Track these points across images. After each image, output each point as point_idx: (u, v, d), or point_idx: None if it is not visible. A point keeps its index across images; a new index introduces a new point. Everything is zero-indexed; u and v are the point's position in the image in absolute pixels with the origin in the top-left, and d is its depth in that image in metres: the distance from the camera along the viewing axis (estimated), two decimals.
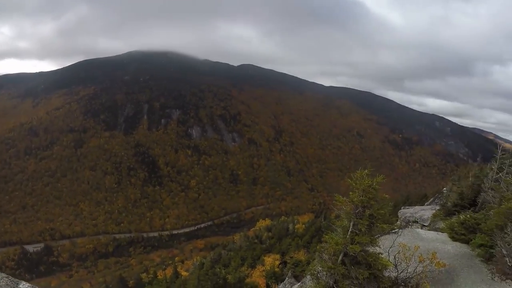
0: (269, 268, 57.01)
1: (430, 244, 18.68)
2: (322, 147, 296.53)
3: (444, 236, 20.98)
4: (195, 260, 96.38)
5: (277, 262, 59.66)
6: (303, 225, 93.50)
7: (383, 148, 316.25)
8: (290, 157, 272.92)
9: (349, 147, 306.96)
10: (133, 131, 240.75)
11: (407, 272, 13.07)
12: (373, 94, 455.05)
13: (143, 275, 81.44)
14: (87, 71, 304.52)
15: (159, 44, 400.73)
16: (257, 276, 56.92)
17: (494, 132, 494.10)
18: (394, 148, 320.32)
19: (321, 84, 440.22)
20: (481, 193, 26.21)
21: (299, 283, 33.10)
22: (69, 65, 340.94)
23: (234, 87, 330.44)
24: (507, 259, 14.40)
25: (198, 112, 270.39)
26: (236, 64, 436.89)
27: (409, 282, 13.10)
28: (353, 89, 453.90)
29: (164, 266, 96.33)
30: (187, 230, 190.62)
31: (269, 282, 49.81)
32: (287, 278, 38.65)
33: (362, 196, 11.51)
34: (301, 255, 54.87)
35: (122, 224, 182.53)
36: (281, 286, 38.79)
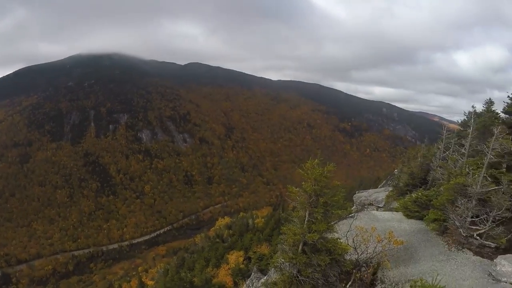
0: (234, 265, 57.13)
1: (386, 224, 19.70)
2: (274, 141, 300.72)
3: (399, 215, 22.21)
4: (159, 267, 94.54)
5: (241, 259, 59.97)
6: (263, 219, 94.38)
7: (334, 137, 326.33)
8: (243, 153, 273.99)
9: (301, 138, 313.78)
10: (80, 140, 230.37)
11: (367, 253, 13.70)
12: (321, 85, 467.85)
13: None
14: (28, 79, 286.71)
15: (103, 46, 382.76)
16: (223, 275, 56.79)
17: (438, 115, 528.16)
18: (344, 136, 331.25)
19: (269, 79, 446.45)
20: (430, 172, 28.05)
21: (265, 277, 33.57)
22: (8, 74, 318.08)
23: (182, 87, 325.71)
24: (461, 230, 15.59)
25: (147, 115, 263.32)
26: (183, 63, 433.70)
27: (370, 262, 13.75)
28: (300, 81, 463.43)
29: (128, 278, 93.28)
30: (147, 237, 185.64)
31: (236, 280, 49.97)
32: (253, 273, 38.90)
33: (314, 185, 11.90)
34: (264, 249, 55.53)
35: (79, 240, 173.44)
36: (248, 282, 39.00)
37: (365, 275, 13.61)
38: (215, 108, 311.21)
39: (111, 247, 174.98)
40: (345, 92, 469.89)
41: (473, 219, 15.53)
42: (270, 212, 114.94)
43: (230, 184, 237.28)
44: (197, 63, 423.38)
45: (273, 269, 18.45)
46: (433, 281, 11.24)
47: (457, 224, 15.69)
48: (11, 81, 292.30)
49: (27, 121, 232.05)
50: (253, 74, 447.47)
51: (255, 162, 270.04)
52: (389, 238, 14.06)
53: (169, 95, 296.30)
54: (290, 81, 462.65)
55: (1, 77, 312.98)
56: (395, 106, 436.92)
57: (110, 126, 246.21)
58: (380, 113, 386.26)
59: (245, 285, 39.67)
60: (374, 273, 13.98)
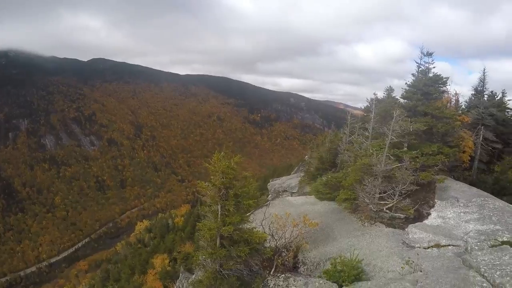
0: (160, 269, 56.12)
1: (300, 208, 20.47)
2: (184, 137, 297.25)
3: (312, 199, 23.26)
4: (83, 284, 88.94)
5: (167, 261, 59.09)
6: (182, 218, 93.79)
7: (244, 129, 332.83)
8: (154, 151, 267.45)
9: (212, 132, 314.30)
10: None
11: (285, 239, 14.01)
12: (229, 78, 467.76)
13: None
14: None
15: None
16: (151, 280, 55.52)
17: (344, 102, 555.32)
18: (255, 127, 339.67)
19: (176, 73, 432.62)
20: (338, 155, 30.00)
21: (194, 275, 33.18)
22: None
23: (85, 85, 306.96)
24: (371, 206, 16.78)
25: (49, 118, 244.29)
26: (85, 59, 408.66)
27: (290, 246, 14.10)
28: (208, 75, 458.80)
29: None
30: (65, 254, 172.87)
31: (165, 283, 48.84)
32: (181, 274, 38.05)
33: (223, 178, 11.78)
34: (188, 248, 54.96)
35: None
36: (178, 283, 38.13)
37: (287, 260, 13.97)
38: (122, 106, 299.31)
39: (28, 270, 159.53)
40: (253, 84, 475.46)
41: (381, 194, 16.78)
42: (188, 209, 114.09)
43: (144, 186, 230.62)
44: (101, 58, 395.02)
45: (196, 267, 18.16)
46: (351, 256, 11.88)
47: (367, 201, 16.87)
48: None
49: None
50: (161, 69, 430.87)
51: (168, 160, 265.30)
52: (304, 221, 14.54)
53: (73, 95, 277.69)
54: (199, 75, 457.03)
55: None
56: (302, 96, 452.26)
57: (10, 134, 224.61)
58: (288, 103, 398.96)
59: (175, 287, 38.91)
60: (295, 256, 14.49)
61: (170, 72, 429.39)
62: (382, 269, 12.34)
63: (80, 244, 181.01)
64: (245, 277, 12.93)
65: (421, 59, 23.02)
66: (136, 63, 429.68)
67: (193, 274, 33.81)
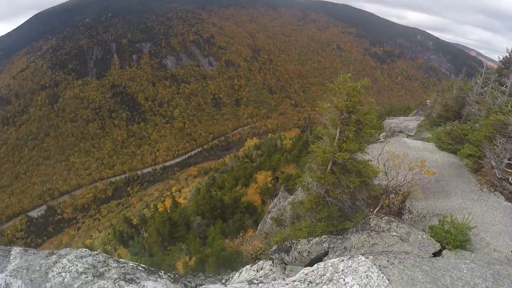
0: (262, 185, 58.13)
1: (418, 153, 18.51)
2: (302, 63, 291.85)
3: (431, 146, 20.92)
4: (191, 187, 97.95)
5: (269, 178, 60.74)
6: (290, 141, 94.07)
7: (364, 61, 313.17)
8: (270, 74, 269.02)
9: (330, 61, 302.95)
10: (105, 73, 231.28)
11: (397, 180, 12.75)
12: (350, 6, 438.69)
13: (145, 211, 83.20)
14: (43, 23, 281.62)
15: None
16: (251, 194, 57.97)
17: (476, 49, 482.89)
18: (375, 61, 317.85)
19: None
20: (466, 106, 26.18)
21: (292, 196, 34.05)
22: (22, 23, 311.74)
23: (203, 10, 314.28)
24: (496, 171, 14.25)
25: (170, 41, 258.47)
26: None
27: (399, 189, 12.84)
28: (329, 1, 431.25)
29: (163, 199, 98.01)
30: (178, 160, 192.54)
31: (264, 198, 51.10)
32: (280, 193, 39.61)
33: (346, 101, 10.72)
34: (291, 170, 55.80)
35: (115, 167, 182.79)
36: (275, 200, 39.91)
37: (393, 202, 12.82)
38: (240, 30, 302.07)
39: (145, 171, 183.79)
40: (376, 15, 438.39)
41: (510, 161, 14.10)
42: (298, 133, 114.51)
43: (258, 106, 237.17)
44: None
45: (300, 188, 18.12)
46: (464, 220, 10.25)
47: (493, 164, 14.34)
48: (26, 29, 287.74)
49: (50, 63, 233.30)
50: None
51: (283, 84, 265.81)
52: (421, 167, 13.02)
53: (191, 20, 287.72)
54: (319, 1, 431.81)
55: (15, 28, 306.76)
56: (430, 34, 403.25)
57: (134, 56, 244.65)
58: (414, 40, 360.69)
59: (272, 204, 40.75)
60: (402, 202, 13.18)
61: None
62: (489, 245, 10.65)
63: (192, 153, 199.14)
64: (346, 209, 12.34)
65: None
66: None
67: (292, 195, 34.82)
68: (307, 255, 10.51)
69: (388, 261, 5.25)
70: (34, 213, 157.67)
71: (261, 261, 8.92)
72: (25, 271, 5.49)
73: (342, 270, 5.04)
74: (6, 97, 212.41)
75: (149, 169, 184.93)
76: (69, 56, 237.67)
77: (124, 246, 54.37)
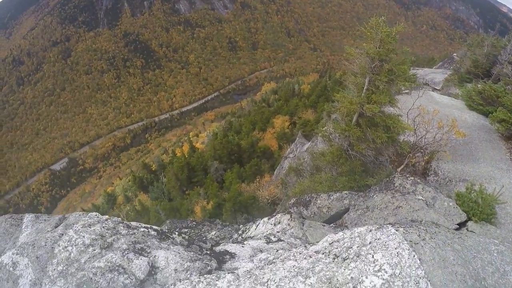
0: (279, 129, 58.02)
1: (446, 109, 17.19)
2: (321, 5, 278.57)
3: (459, 103, 19.55)
4: (208, 132, 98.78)
5: (287, 123, 60.41)
6: (309, 86, 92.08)
7: (388, 6, 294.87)
8: (288, 17, 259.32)
9: (351, 4, 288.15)
10: (117, 22, 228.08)
11: (425, 138, 11.80)
12: None
13: (163, 157, 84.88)
14: None
15: None
16: (268, 138, 58.23)
17: (508, 6, 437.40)
18: (400, 7, 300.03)
19: None
20: (497, 65, 24.27)
21: (309, 143, 33.62)
22: None
23: None
24: None
25: None
26: None
27: (426, 149, 11.92)
28: None
29: (180, 144, 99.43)
30: (195, 105, 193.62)
31: (281, 143, 51.12)
32: (297, 138, 39.32)
33: (379, 47, 9.64)
34: (309, 115, 55.04)
35: (132, 115, 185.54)
36: (292, 146, 39.73)
37: (420, 162, 11.98)
38: None
39: (162, 117, 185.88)
40: None
41: None
42: (316, 78, 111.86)
43: (275, 49, 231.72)
44: None
45: (319, 137, 17.48)
46: (494, 192, 9.17)
47: None
48: None
49: (59, 18, 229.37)
50: None
51: (302, 27, 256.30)
52: (451, 126, 11.82)
53: None
54: None
55: None
56: None
57: (145, 2, 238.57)
58: None
59: (289, 149, 40.61)
60: (429, 162, 12.23)
61: None
62: None
63: (209, 97, 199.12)
64: (369, 164, 11.73)
65: None
66: None
67: (309, 141, 34.41)
68: (326, 211, 10.16)
69: (419, 235, 4.73)
70: (56, 166, 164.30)
71: (279, 215, 8.61)
72: (31, 247, 5.29)
73: (370, 243, 4.55)
74: (19, 58, 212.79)
75: (166, 115, 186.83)
76: (78, 9, 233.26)
77: (144, 192, 56.20)
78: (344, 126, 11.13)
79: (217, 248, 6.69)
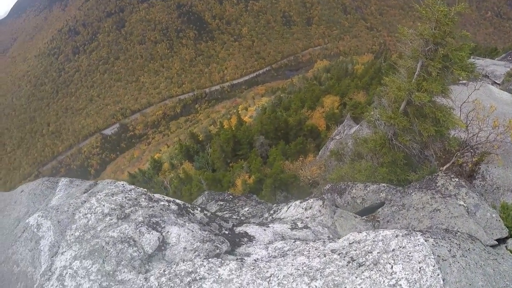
0: (328, 109, 56.63)
1: (504, 107, 15.47)
2: None
3: None
4: (257, 106, 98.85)
5: (337, 104, 58.74)
6: (362, 66, 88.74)
7: None
8: None
9: None
10: None
11: (477, 137, 10.65)
12: None
13: (211, 128, 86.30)
14: None
15: None
16: (317, 117, 57.13)
17: None
18: None
19: None
20: None
21: (357, 126, 32.48)
22: None
23: None
24: None
25: None
26: None
27: (477, 148, 10.77)
28: None
29: (229, 116, 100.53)
30: (246, 78, 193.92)
31: (329, 123, 49.95)
32: (346, 120, 38.21)
33: (434, 29, 8.66)
34: (361, 97, 53.10)
35: (183, 85, 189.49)
36: (340, 127, 38.65)
37: (468, 163, 10.91)
38: None
39: (213, 88, 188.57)
40: None
41: None
42: (371, 59, 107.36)
43: (330, 26, 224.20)
44: None
45: (367, 123, 16.71)
46: None
47: None
48: None
49: None
50: None
51: (359, 4, 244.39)
52: (508, 127, 10.53)
53: None
54: None
55: None
56: None
57: None
58: None
59: (336, 130, 39.58)
60: (477, 164, 10.96)
61: None
62: None
63: (261, 71, 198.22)
64: (413, 158, 10.92)
65: None
66: None
67: (357, 124, 33.24)
68: (360, 202, 9.72)
69: (449, 251, 4.23)
70: (108, 131, 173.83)
71: (311, 199, 8.42)
72: (54, 211, 5.54)
73: (393, 251, 4.14)
74: (74, 28, 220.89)
75: (217, 87, 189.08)
76: None
77: (189, 161, 57.65)
78: (390, 113, 10.38)
79: (238, 229, 6.61)
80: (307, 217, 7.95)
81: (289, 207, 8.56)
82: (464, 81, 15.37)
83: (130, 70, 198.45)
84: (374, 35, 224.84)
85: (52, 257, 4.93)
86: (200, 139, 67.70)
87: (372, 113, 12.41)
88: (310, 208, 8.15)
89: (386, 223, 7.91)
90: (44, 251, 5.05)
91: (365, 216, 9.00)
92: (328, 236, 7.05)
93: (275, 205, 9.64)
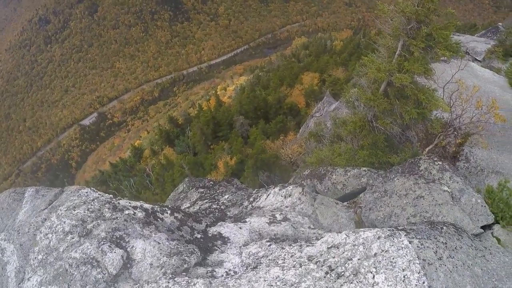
0: (307, 86, 56.57)
1: (486, 85, 15.26)
2: None
3: (502, 80, 17.44)
4: (236, 85, 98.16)
5: (316, 81, 58.74)
6: (341, 42, 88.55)
7: None
8: None
9: None
10: None
11: (460, 118, 10.33)
12: None
13: (190, 110, 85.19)
14: None
15: None
16: (296, 95, 57.25)
17: None
18: None
19: None
20: None
21: (337, 103, 32.35)
22: None
23: None
24: None
25: None
26: None
27: (460, 129, 10.46)
28: None
29: (208, 97, 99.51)
30: (224, 58, 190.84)
31: (309, 101, 49.92)
32: (325, 97, 38.11)
33: (417, 6, 8.13)
34: (340, 73, 53.14)
35: (160, 69, 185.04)
36: (319, 104, 38.56)
37: (451, 144, 10.65)
38: None
39: (191, 70, 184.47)
40: None
41: None
42: (350, 35, 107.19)
43: (308, 3, 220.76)
44: None
45: (346, 104, 16.38)
46: None
47: None
48: None
49: None
50: None
51: None
52: (491, 107, 10.08)
53: None
54: None
55: None
56: None
57: None
58: None
59: (316, 107, 39.47)
60: (460, 145, 10.84)
61: None
62: None
63: (238, 50, 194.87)
64: (394, 139, 10.64)
65: None
66: None
67: (337, 100, 33.13)
68: (341, 188, 9.50)
69: (436, 252, 3.95)
70: (86, 122, 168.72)
71: (291, 187, 8.18)
72: (16, 234, 5.30)
73: (375, 256, 3.82)
74: (45, 17, 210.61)
75: (195, 68, 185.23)
76: None
77: (170, 146, 56.95)
78: (369, 95, 9.99)
79: (212, 230, 6.27)
80: (286, 206, 7.73)
81: (269, 194, 8.33)
82: (445, 59, 15.06)
83: (105, 57, 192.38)
84: (353, 11, 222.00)
85: (19, 283, 4.70)
86: (180, 122, 66.89)
87: (350, 93, 12.02)
88: (290, 195, 7.94)
89: (368, 211, 7.66)
90: (11, 277, 4.83)
91: (346, 202, 8.80)
92: (309, 227, 6.84)
93: (255, 191, 9.39)
